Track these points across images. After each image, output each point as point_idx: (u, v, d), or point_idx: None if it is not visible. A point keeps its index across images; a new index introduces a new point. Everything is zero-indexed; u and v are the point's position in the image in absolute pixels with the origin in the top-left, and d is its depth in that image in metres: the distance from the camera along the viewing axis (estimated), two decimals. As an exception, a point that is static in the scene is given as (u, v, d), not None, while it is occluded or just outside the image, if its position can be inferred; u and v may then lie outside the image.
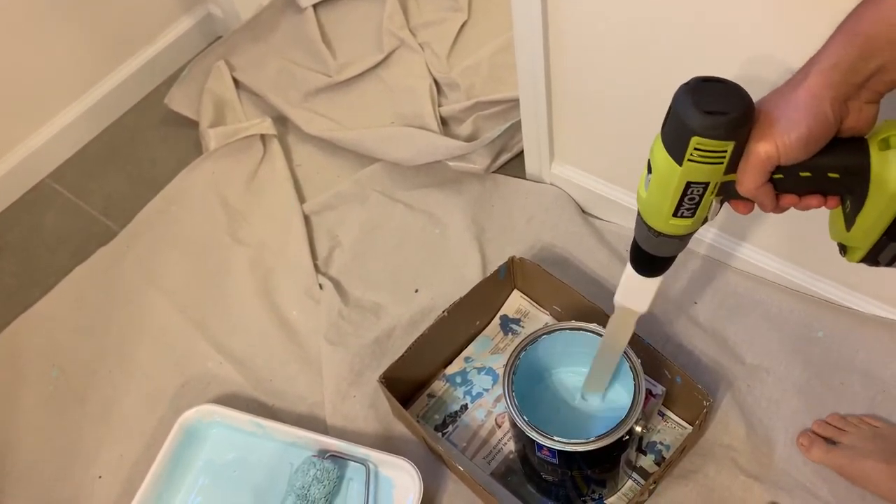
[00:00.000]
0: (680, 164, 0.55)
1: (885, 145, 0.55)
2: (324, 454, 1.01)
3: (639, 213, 0.64)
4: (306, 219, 1.34)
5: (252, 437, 1.07)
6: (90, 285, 1.32)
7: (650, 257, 0.68)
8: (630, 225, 0.81)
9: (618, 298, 0.77)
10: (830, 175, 0.57)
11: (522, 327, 1.15)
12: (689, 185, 0.57)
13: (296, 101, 1.50)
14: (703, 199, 0.59)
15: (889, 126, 0.55)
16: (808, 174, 0.57)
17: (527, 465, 0.96)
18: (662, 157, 0.57)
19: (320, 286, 1.24)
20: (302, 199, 1.37)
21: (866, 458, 0.92)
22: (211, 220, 1.37)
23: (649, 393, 1.00)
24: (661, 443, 1.01)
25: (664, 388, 1.01)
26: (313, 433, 1.03)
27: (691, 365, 1.06)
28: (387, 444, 1.06)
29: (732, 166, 0.57)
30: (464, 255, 1.24)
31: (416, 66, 1.49)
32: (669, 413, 1.03)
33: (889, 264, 0.61)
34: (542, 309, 1.16)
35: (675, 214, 0.60)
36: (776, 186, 0.58)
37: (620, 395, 0.94)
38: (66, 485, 1.10)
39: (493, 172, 1.34)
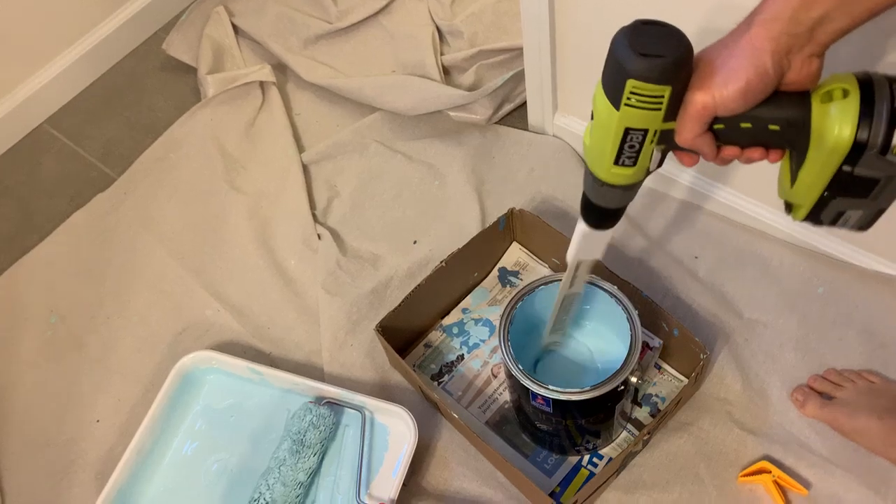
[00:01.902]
0: (617, 108, 0.55)
1: (828, 98, 0.54)
2: (320, 401, 1.02)
3: (585, 162, 0.64)
4: (305, 168, 1.33)
5: (249, 384, 1.08)
6: (88, 231, 1.32)
7: (599, 209, 0.68)
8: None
9: (571, 257, 0.77)
10: (771, 127, 0.56)
11: (520, 280, 1.14)
12: (627, 131, 0.56)
13: (296, 48, 1.48)
14: (644, 148, 0.58)
15: (833, 80, 0.55)
16: (748, 125, 0.56)
17: (521, 414, 0.97)
18: (602, 102, 0.56)
19: (318, 236, 1.23)
20: (301, 148, 1.36)
21: (860, 414, 0.92)
22: (209, 167, 1.36)
23: (646, 345, 1.00)
24: (656, 395, 1.01)
25: (661, 341, 1.01)
26: (310, 380, 1.03)
27: (689, 318, 1.06)
28: (383, 392, 1.06)
29: (671, 114, 0.56)
30: (463, 206, 1.23)
31: (419, 14, 1.47)
32: (666, 366, 1.03)
33: (832, 223, 0.61)
34: (540, 261, 1.15)
35: (616, 162, 0.60)
36: (718, 137, 0.57)
37: (617, 346, 0.94)
38: (63, 428, 1.11)
39: (495, 123, 1.32)
